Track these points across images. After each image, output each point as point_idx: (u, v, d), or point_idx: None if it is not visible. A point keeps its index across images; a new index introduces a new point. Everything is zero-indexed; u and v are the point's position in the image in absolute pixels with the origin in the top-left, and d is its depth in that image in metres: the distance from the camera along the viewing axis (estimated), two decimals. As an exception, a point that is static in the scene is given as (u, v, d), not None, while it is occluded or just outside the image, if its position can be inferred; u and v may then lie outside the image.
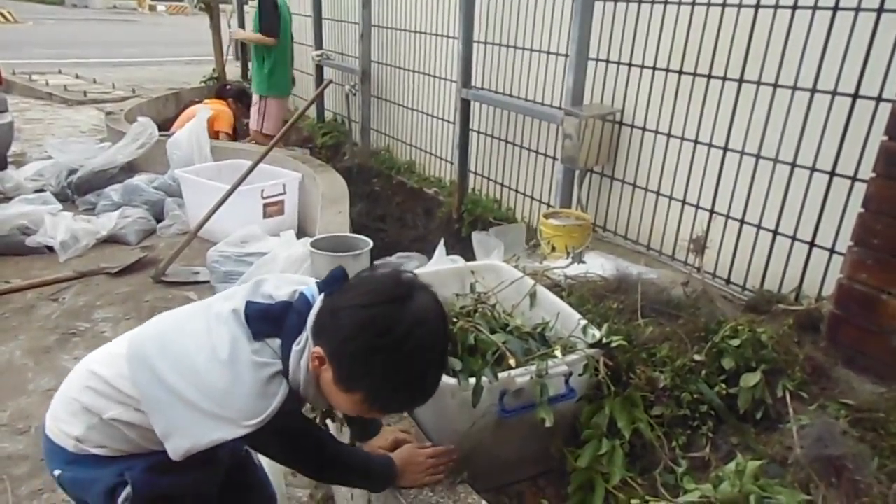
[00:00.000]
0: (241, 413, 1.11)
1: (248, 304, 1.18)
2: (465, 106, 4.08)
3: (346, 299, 1.14)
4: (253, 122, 5.52)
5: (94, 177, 4.68)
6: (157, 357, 1.18)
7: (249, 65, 6.10)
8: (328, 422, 1.73)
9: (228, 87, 6.13)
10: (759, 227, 2.66)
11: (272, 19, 5.11)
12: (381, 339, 1.08)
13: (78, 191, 4.63)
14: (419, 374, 1.13)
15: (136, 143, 4.95)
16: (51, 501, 2.07)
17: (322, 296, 1.19)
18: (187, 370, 1.15)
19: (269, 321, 1.17)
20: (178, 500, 1.28)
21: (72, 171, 4.72)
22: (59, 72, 9.94)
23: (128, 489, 1.21)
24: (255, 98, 5.46)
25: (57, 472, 1.26)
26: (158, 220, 4.30)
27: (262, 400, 1.12)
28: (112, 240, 3.99)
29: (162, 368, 1.16)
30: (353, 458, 1.39)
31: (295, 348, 1.16)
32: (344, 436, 1.69)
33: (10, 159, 4.80)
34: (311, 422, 1.30)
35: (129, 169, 4.88)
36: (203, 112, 5.10)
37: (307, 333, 1.15)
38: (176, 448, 1.15)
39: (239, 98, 5.95)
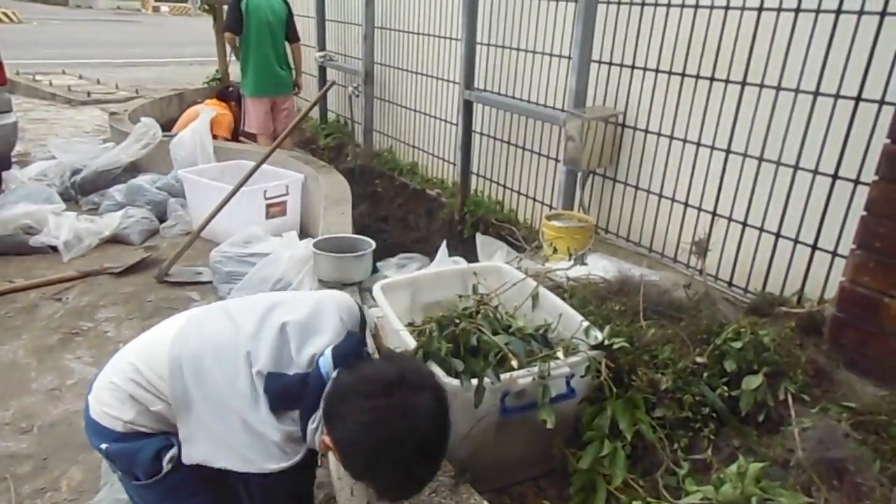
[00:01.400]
0: (260, 459, 1.24)
1: (269, 379, 1.27)
2: (467, 107, 4.09)
3: (352, 407, 1.20)
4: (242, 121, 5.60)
5: (98, 177, 4.69)
6: (192, 382, 1.30)
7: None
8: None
9: (231, 89, 6.12)
10: (761, 229, 2.66)
11: (230, 17, 5.19)
12: (386, 458, 1.19)
13: (81, 191, 4.65)
14: (418, 479, 1.27)
15: (140, 144, 4.96)
16: (53, 500, 2.08)
17: (336, 373, 1.27)
18: (219, 410, 1.28)
19: (287, 399, 1.28)
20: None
21: (75, 172, 4.73)
22: (63, 72, 9.96)
23: (173, 450, 1.35)
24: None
25: (104, 446, 1.38)
26: (161, 221, 4.31)
27: (282, 454, 1.25)
28: (115, 240, 4.00)
29: (196, 396, 1.29)
30: None
31: (310, 426, 1.27)
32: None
33: (13, 159, 4.81)
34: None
35: (133, 169, 4.89)
36: (206, 113, 5.11)
37: (320, 413, 1.26)
38: (190, 455, 1.29)
39: (240, 102, 5.98)
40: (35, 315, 3.17)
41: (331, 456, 2.13)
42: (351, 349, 1.31)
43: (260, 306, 1.40)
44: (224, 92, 6.08)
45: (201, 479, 1.39)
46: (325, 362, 1.29)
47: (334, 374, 1.27)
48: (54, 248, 3.78)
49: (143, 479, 1.37)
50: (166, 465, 1.34)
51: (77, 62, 11.17)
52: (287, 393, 1.27)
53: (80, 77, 9.69)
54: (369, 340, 1.61)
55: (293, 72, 5.69)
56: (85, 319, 3.14)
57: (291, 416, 1.27)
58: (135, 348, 1.43)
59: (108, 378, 1.39)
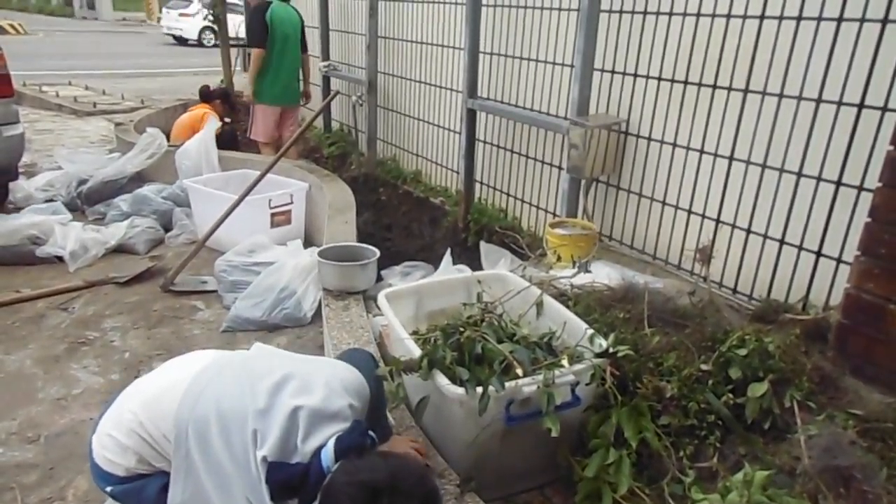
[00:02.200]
0: None
1: (271, 469, 1.29)
2: (471, 116, 4.10)
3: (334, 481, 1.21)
4: (249, 129, 5.62)
5: (104, 187, 4.72)
6: (196, 450, 1.33)
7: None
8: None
9: (212, 89, 6.15)
10: (765, 236, 2.66)
11: (257, 33, 5.20)
12: None
13: (87, 201, 4.68)
14: None
15: (145, 154, 5.00)
16: (60, 510, 2.08)
17: (335, 467, 1.27)
18: (223, 484, 1.31)
19: (288, 489, 1.30)
20: None
21: (81, 182, 4.77)
22: (69, 83, 10.04)
23: None
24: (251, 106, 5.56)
25: (109, 489, 1.43)
26: (167, 230, 4.34)
27: None
28: (121, 249, 4.02)
29: (200, 466, 1.32)
30: None
31: None
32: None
33: (20, 170, 4.84)
34: None
35: (138, 179, 4.93)
36: (211, 123, 5.15)
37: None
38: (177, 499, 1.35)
39: (224, 99, 6.03)
40: (41, 325, 3.18)
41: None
42: (353, 443, 1.32)
43: (274, 376, 1.39)
44: (206, 93, 6.10)
45: None
46: (327, 456, 1.30)
47: (334, 468, 1.28)
48: (60, 259, 3.81)
49: None
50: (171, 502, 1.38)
51: (83, 73, 11.27)
52: (288, 485, 1.29)
53: (86, 88, 9.77)
54: (382, 387, 1.65)
55: (300, 82, 5.73)
56: (91, 329, 3.16)
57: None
58: (140, 398, 1.45)
59: (113, 426, 1.43)
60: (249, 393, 1.36)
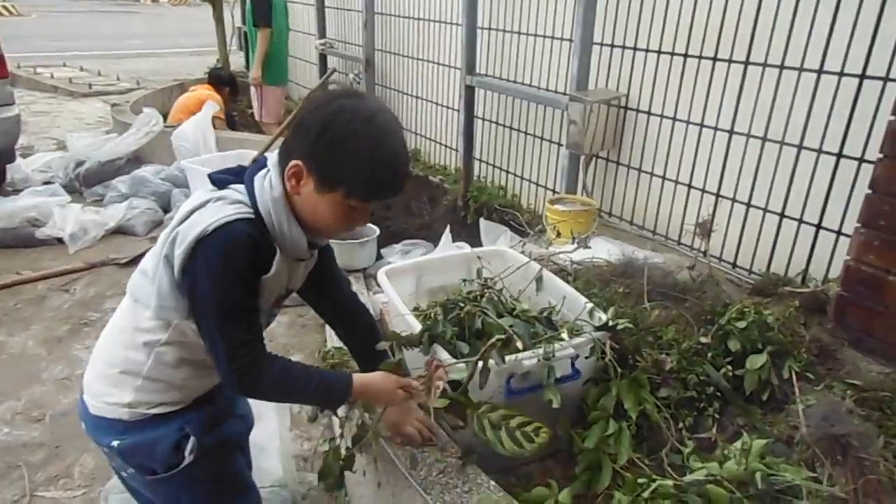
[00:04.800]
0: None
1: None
2: (469, 93, 4.07)
3: (302, 112, 1.18)
4: (255, 112, 5.55)
5: (102, 168, 4.71)
6: None
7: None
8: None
9: (223, 74, 6.10)
10: (765, 210, 2.65)
11: (262, 11, 5.12)
12: (350, 125, 1.12)
13: (86, 182, 4.66)
14: (392, 155, 1.15)
15: (141, 133, 4.98)
16: (67, 487, 2.11)
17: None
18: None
19: (229, 173, 1.28)
20: (227, 445, 1.41)
21: (79, 163, 4.75)
22: (64, 64, 9.95)
23: (192, 441, 1.28)
24: (252, 88, 5.48)
25: (115, 443, 1.27)
26: (166, 211, 4.33)
27: (220, 212, 1.18)
28: (120, 231, 4.02)
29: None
30: (292, 366, 1.26)
31: (258, 174, 1.22)
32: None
33: (17, 152, 4.82)
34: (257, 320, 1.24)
35: (136, 160, 4.91)
36: (209, 107, 5.11)
37: (269, 167, 1.22)
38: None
39: (233, 87, 6.00)
40: (43, 306, 3.20)
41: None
42: None
43: None
44: (218, 77, 6.01)
45: (217, 468, 1.37)
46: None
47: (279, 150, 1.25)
48: (60, 240, 3.81)
49: (160, 473, 1.29)
50: (188, 457, 1.28)
51: (77, 54, 11.15)
52: (229, 171, 1.31)
53: (82, 69, 9.68)
54: None
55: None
56: (92, 310, 3.17)
57: (237, 190, 1.26)
58: (107, 326, 1.40)
59: (95, 368, 1.33)
60: None
